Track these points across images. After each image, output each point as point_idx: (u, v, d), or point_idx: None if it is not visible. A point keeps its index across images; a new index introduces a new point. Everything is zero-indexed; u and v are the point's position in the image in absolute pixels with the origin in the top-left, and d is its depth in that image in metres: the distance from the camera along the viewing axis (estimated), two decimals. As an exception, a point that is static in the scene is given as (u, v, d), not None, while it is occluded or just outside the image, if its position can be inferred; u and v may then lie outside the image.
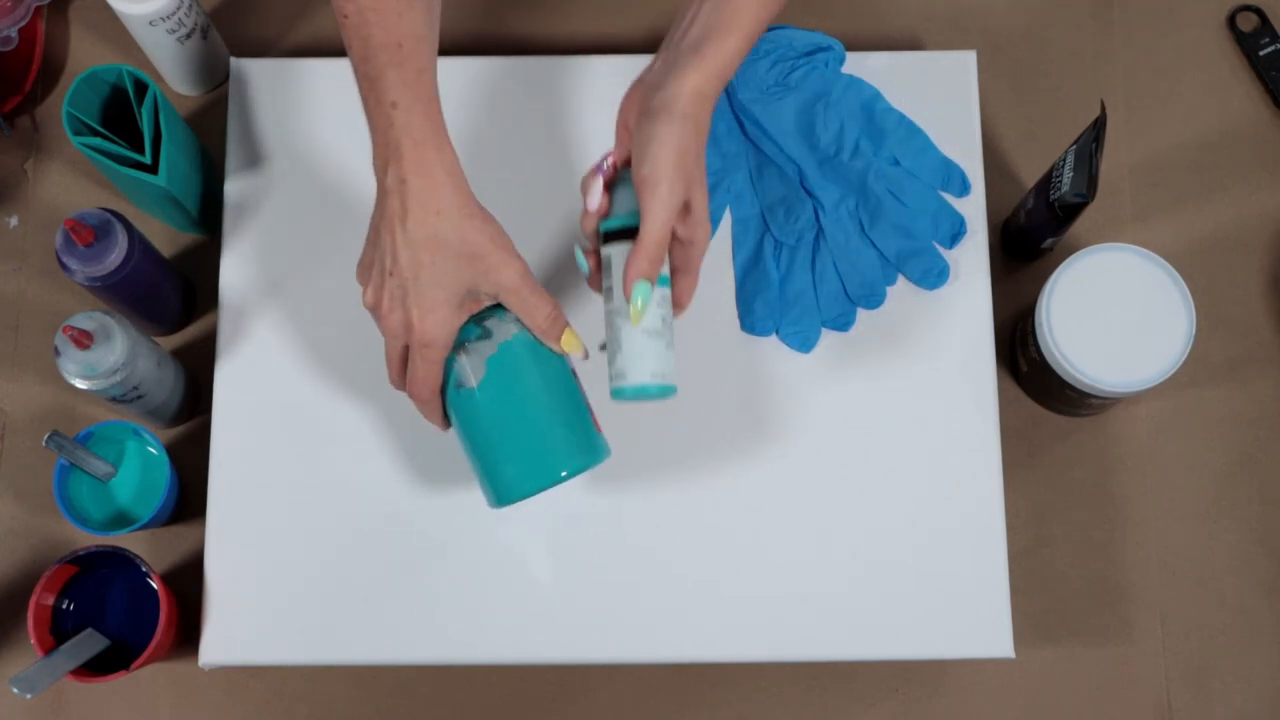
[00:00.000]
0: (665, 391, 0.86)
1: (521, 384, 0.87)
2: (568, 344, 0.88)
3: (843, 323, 1.01)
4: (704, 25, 0.84)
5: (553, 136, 1.05)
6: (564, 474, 0.86)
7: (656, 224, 0.83)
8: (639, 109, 0.85)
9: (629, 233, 0.85)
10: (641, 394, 0.86)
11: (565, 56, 1.06)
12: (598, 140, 1.04)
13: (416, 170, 0.83)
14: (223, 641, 0.97)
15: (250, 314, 1.01)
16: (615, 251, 0.86)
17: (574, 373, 0.90)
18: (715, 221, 1.03)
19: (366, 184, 1.03)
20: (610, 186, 0.87)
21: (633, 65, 1.05)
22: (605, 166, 0.86)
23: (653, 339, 0.85)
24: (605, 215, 0.87)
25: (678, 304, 0.88)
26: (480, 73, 1.06)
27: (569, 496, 0.98)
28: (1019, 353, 1.05)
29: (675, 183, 0.83)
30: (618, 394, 0.86)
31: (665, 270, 0.86)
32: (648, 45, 1.13)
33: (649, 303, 0.84)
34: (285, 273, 1.02)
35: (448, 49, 0.92)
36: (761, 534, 0.98)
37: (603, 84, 1.05)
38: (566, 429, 0.87)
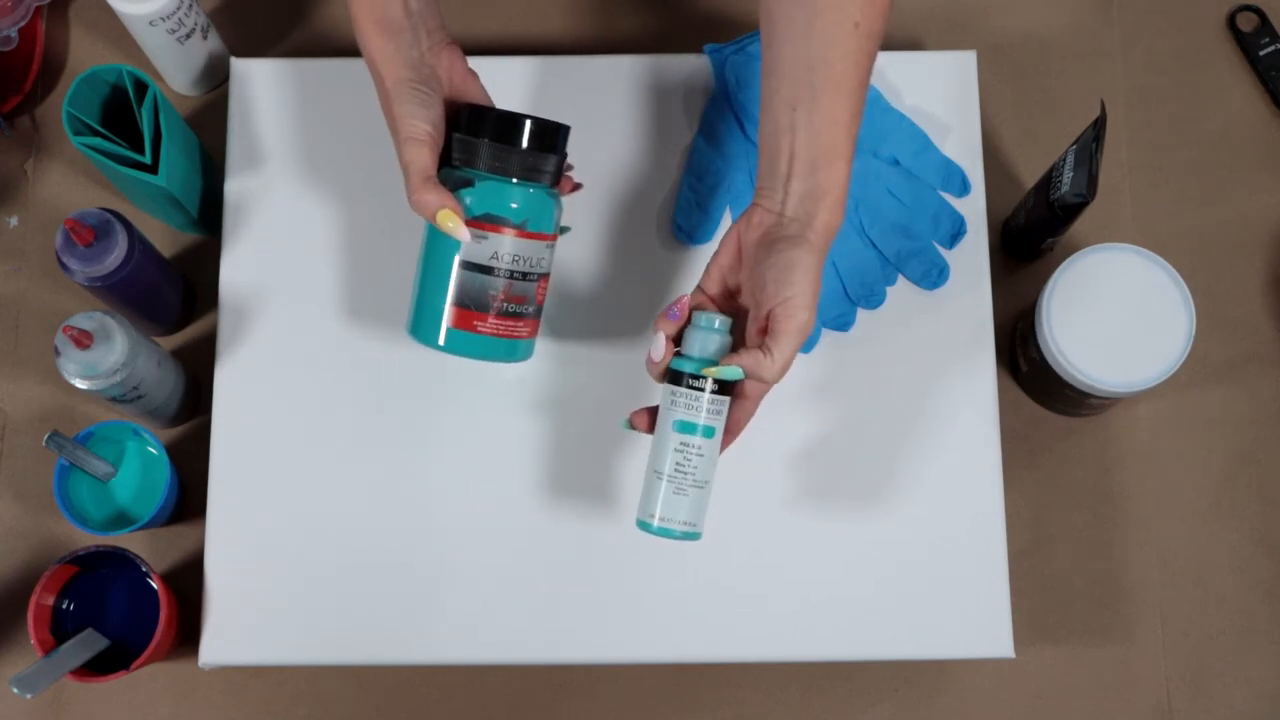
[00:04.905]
0: (688, 537, 0.87)
1: (426, 245, 0.91)
2: (441, 220, 0.87)
3: (843, 323, 1.01)
4: (809, 161, 0.84)
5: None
6: (415, 338, 0.91)
7: (790, 349, 0.83)
8: (765, 237, 0.85)
9: (690, 377, 0.85)
10: (664, 536, 0.87)
11: (564, 56, 1.06)
12: (598, 140, 1.04)
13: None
14: (223, 641, 0.97)
15: (250, 314, 1.01)
16: (673, 392, 0.86)
17: (473, 265, 0.89)
18: (716, 222, 1.03)
19: (366, 183, 1.03)
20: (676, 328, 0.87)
21: (632, 65, 1.05)
22: (673, 313, 0.86)
23: (690, 490, 0.86)
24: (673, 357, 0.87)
25: (731, 430, 0.87)
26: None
27: (570, 495, 0.98)
28: (1019, 353, 1.05)
29: (812, 311, 0.83)
30: (644, 527, 0.87)
31: (710, 421, 0.86)
32: (648, 45, 1.13)
33: (726, 376, 0.84)
34: (285, 273, 1.02)
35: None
36: (761, 534, 0.98)
37: (603, 83, 1.05)
38: (421, 302, 0.91)
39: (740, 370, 0.83)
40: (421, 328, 0.91)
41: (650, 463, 0.87)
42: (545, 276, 0.91)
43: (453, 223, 0.87)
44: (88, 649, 0.95)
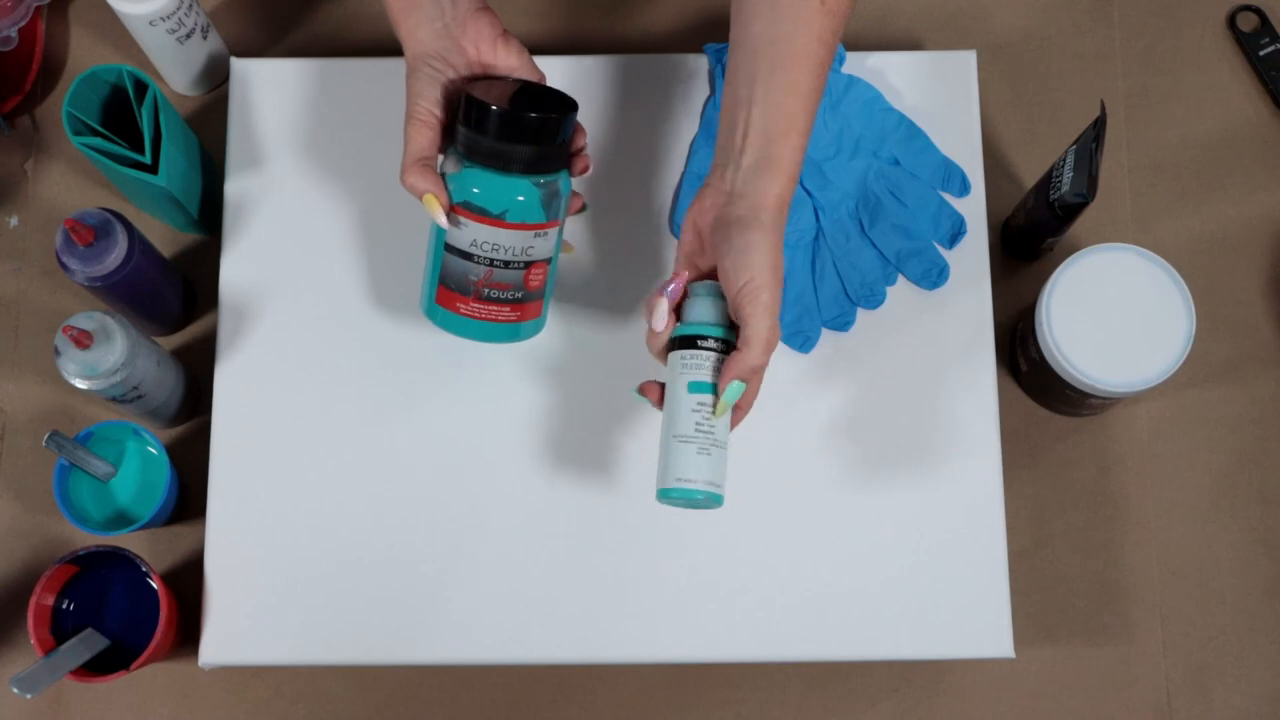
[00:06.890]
0: (712, 499, 0.86)
1: (432, 223, 0.92)
2: (426, 204, 0.89)
3: (843, 323, 1.01)
4: (763, 133, 0.85)
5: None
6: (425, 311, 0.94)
7: (764, 328, 0.84)
8: (718, 220, 0.86)
9: (696, 340, 0.86)
10: (688, 499, 0.86)
11: (564, 56, 1.06)
12: (598, 139, 1.04)
13: None
14: (223, 641, 0.97)
15: (250, 314, 1.01)
16: (681, 357, 0.87)
17: (454, 249, 0.90)
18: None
19: (366, 182, 1.03)
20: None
21: (632, 65, 1.05)
22: (671, 290, 0.87)
23: (712, 450, 0.86)
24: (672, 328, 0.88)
25: (740, 407, 0.88)
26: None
27: (569, 495, 0.98)
28: (1019, 353, 1.05)
29: (775, 288, 0.84)
30: (664, 495, 0.87)
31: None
32: (648, 45, 1.13)
33: (732, 400, 0.85)
34: (285, 273, 1.02)
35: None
36: (761, 534, 0.98)
37: (603, 83, 1.05)
38: (425, 276, 0.93)
39: (740, 384, 0.85)
40: (421, 299, 0.93)
41: (666, 431, 0.87)
42: (539, 263, 0.91)
43: (434, 208, 0.88)
44: (88, 649, 0.95)
